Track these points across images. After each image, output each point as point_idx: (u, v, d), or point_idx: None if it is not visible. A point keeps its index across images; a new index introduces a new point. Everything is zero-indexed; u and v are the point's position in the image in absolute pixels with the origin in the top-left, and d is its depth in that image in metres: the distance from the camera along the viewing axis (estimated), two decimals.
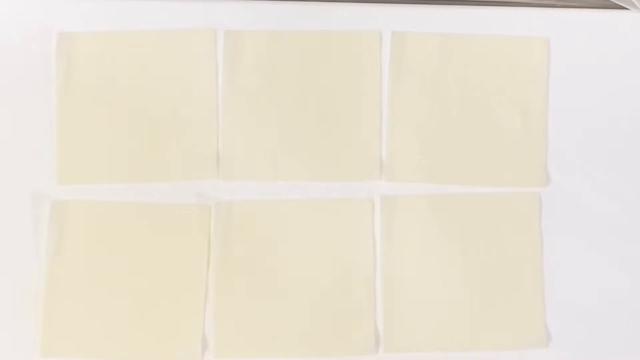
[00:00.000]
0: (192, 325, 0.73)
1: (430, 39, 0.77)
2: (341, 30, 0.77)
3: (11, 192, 0.75)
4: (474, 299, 0.74)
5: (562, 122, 0.76)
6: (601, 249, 0.75)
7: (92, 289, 0.73)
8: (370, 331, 0.74)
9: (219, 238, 0.74)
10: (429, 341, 0.74)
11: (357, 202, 0.75)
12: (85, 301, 0.73)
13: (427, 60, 0.77)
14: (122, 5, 0.77)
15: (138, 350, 0.73)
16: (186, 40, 0.77)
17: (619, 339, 0.75)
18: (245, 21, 0.77)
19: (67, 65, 0.76)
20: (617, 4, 0.77)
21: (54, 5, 0.77)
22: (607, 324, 0.75)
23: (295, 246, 0.74)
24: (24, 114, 0.76)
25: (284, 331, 0.73)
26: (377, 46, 0.77)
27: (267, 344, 0.73)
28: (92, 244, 0.74)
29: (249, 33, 0.77)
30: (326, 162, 0.76)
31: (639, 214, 0.76)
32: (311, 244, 0.74)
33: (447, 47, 0.77)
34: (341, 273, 0.74)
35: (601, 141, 0.76)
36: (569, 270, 0.75)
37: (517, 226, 0.75)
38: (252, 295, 0.74)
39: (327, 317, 0.74)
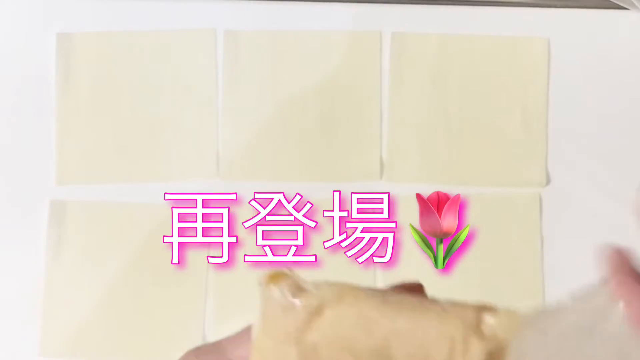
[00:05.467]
0: (192, 325, 0.73)
1: (430, 39, 0.77)
2: (341, 30, 0.77)
3: (10, 192, 0.75)
4: (474, 299, 0.74)
5: (562, 122, 0.76)
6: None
7: (91, 289, 0.73)
8: None
9: None
10: None
11: None
12: (84, 301, 0.73)
13: (426, 60, 0.77)
14: (122, 5, 0.77)
15: (138, 350, 0.73)
16: (186, 40, 0.76)
17: None
18: (245, 21, 0.77)
19: (67, 65, 0.76)
20: (617, 4, 0.77)
21: (54, 5, 0.77)
22: None
23: None
24: (23, 114, 0.76)
25: None
26: (377, 46, 0.77)
27: None
28: (91, 244, 0.74)
29: (249, 33, 0.77)
30: (326, 162, 0.76)
31: None
32: None
33: (447, 47, 0.77)
34: None
35: (601, 141, 0.76)
36: (569, 271, 0.75)
37: (517, 226, 0.75)
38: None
39: None
